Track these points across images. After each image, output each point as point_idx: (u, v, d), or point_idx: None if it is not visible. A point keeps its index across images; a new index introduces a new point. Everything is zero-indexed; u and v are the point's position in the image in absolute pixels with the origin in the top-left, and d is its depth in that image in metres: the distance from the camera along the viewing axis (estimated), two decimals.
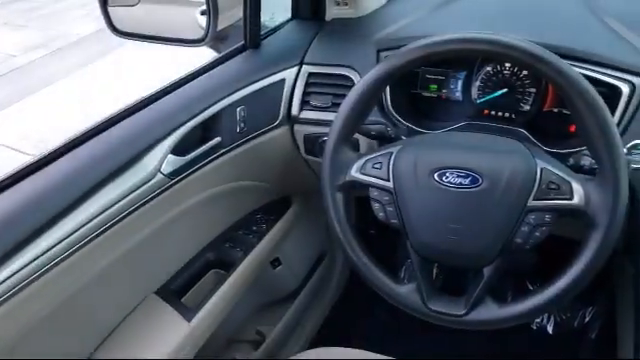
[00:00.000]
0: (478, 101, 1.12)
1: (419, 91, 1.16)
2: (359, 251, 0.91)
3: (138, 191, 0.95)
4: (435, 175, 0.83)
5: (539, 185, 0.79)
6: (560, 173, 0.80)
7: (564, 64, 0.77)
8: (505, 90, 1.09)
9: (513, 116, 1.10)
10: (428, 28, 1.11)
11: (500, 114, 1.11)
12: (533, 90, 1.07)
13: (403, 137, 1.02)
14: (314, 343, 1.66)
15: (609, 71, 0.95)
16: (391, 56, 0.86)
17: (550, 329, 1.72)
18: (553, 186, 0.79)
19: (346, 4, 1.24)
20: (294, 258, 1.52)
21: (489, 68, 1.09)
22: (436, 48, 0.82)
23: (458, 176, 0.82)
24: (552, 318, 1.73)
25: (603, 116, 0.75)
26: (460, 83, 1.13)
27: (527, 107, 1.08)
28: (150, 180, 0.96)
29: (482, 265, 0.83)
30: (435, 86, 1.15)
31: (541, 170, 0.80)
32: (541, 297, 0.81)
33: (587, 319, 1.69)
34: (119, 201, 0.92)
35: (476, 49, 0.80)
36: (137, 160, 0.96)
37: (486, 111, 1.12)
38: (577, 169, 0.86)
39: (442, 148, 0.87)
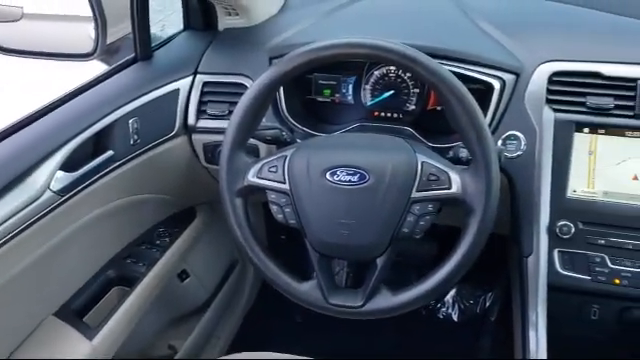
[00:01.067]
0: (368, 104, 1.17)
1: (314, 96, 1.20)
2: (260, 253, 0.92)
3: (26, 210, 0.91)
4: (327, 174, 0.87)
5: (420, 177, 0.84)
6: (439, 165, 0.85)
7: (435, 64, 0.83)
8: (392, 92, 1.15)
9: (401, 116, 1.16)
10: (317, 34, 1.15)
11: (389, 115, 1.17)
12: (417, 91, 1.14)
13: (299, 140, 1.05)
14: (230, 352, 1.65)
15: (481, 69, 1.03)
16: (278, 63, 0.89)
17: (455, 317, 1.81)
18: (433, 177, 0.84)
19: (237, 14, 1.26)
20: (203, 269, 1.51)
21: (377, 72, 1.15)
22: (319, 53, 0.85)
23: (347, 174, 0.86)
24: (457, 306, 1.82)
25: (473, 110, 0.82)
26: (351, 87, 1.18)
27: (412, 107, 1.15)
28: (39, 198, 0.93)
29: (375, 256, 0.88)
30: (328, 91, 1.19)
31: (422, 164, 0.85)
32: (432, 281, 0.86)
33: (488, 304, 1.79)
34: (6, 221, 0.88)
35: (356, 53, 0.85)
36: (24, 178, 0.93)
37: (376, 113, 1.18)
38: (456, 161, 0.92)
39: (333, 149, 0.91)
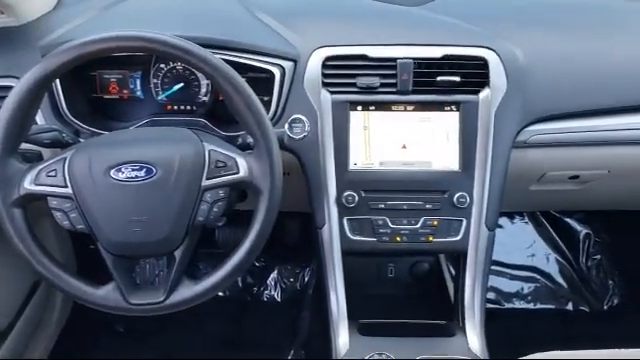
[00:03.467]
0: (159, 98, 1.16)
1: (100, 94, 1.16)
2: (49, 264, 0.88)
3: None
4: (111, 172, 0.85)
5: (209, 165, 0.87)
6: (226, 152, 0.88)
7: (208, 54, 0.85)
8: (181, 85, 1.15)
9: (194, 108, 1.17)
10: (93, 29, 1.10)
11: (182, 107, 1.18)
12: (207, 82, 1.16)
13: (82, 141, 1.00)
14: None
15: (261, 57, 1.08)
16: (43, 60, 0.84)
17: (278, 297, 1.89)
18: (221, 164, 0.87)
19: (2, 12, 1.16)
20: None
21: (163, 65, 1.15)
22: (85, 49, 0.83)
23: (133, 170, 0.85)
24: (278, 286, 1.90)
25: (249, 98, 0.86)
26: (139, 82, 1.16)
27: (204, 98, 1.17)
28: None
29: (173, 249, 0.88)
30: (115, 87, 1.16)
31: (209, 152, 0.88)
32: (230, 263, 0.89)
33: (307, 279, 1.90)
34: None
35: (125, 46, 0.84)
36: None
37: (169, 106, 1.18)
38: (245, 147, 0.96)
39: (116, 146, 0.89)
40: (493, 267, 1.95)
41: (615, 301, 1.90)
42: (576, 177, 1.24)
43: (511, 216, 2.03)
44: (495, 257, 1.96)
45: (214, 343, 1.71)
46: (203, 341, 1.71)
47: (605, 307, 1.90)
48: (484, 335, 1.09)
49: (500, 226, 2.03)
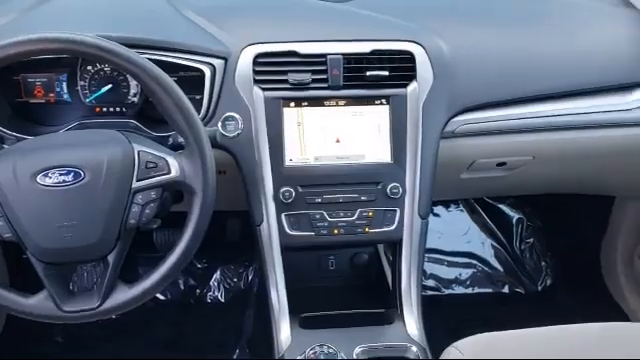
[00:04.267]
0: (87, 100, 1.13)
1: (26, 98, 1.12)
2: None
3: None
4: (38, 178, 0.82)
5: (139, 167, 0.86)
6: (156, 152, 0.88)
7: (133, 53, 0.84)
8: (110, 86, 1.13)
9: (124, 109, 1.15)
10: (14, 32, 1.06)
11: (112, 109, 1.15)
12: (137, 83, 1.14)
13: (6, 147, 0.97)
14: None
15: (190, 56, 1.07)
16: None
17: (222, 298, 1.88)
18: (151, 165, 0.86)
19: None
20: None
21: (90, 67, 1.12)
22: (6, 52, 0.80)
23: (60, 174, 0.83)
24: (222, 287, 1.89)
25: (177, 97, 0.85)
26: (65, 85, 1.13)
27: (134, 99, 1.15)
28: None
29: (105, 253, 0.87)
30: (41, 91, 1.12)
31: (138, 153, 0.86)
32: (166, 265, 0.88)
33: (250, 277, 1.90)
34: None
35: (46, 48, 0.82)
36: None
37: (97, 109, 1.15)
38: (176, 146, 0.95)
39: (41, 150, 0.87)
40: (432, 255, 2.01)
41: (548, 282, 2.00)
42: (503, 164, 1.30)
43: (447, 205, 2.09)
44: (433, 245, 2.04)
45: (158, 348, 1.69)
46: (146, 347, 1.68)
47: (539, 288, 1.99)
48: (422, 320, 1.12)
49: (437, 215, 2.10)
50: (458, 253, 2.03)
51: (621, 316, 1.76)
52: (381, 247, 1.42)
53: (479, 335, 1.14)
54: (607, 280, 1.87)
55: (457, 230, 2.07)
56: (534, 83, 1.20)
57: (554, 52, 1.24)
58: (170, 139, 0.99)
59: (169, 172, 0.87)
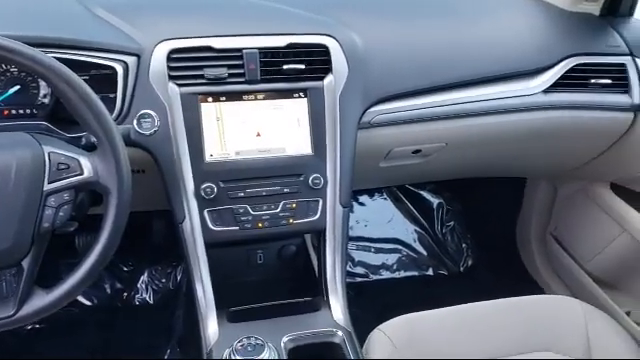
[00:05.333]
0: None
1: None
2: None
3: None
4: None
5: (50, 169, 0.83)
6: (67, 153, 0.85)
7: (38, 52, 0.81)
8: (17, 87, 1.08)
9: (34, 111, 1.10)
10: None
11: (21, 111, 1.10)
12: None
13: None
14: None
15: (100, 54, 1.04)
16: None
17: (151, 299, 1.85)
18: (63, 166, 0.84)
19: None
20: None
21: None
22: None
23: None
24: (150, 289, 1.86)
25: (87, 96, 0.83)
26: None
27: (45, 100, 1.10)
28: None
29: (19, 259, 0.84)
30: None
31: (49, 155, 0.84)
32: (83, 268, 0.86)
33: (179, 277, 1.87)
34: None
35: None
36: None
37: (6, 112, 1.10)
38: (89, 147, 0.93)
39: None
40: (359, 243, 2.06)
41: (469, 262, 2.10)
42: (418, 151, 1.35)
43: (371, 194, 2.15)
44: (360, 233, 2.09)
45: (86, 353, 1.64)
46: (74, 352, 1.63)
47: (461, 269, 2.08)
48: (347, 305, 1.15)
49: (362, 204, 2.15)
50: (384, 240, 2.09)
51: (537, 290, 1.88)
52: (308, 237, 1.44)
53: (402, 316, 1.19)
54: (523, 257, 1.99)
55: (382, 218, 2.14)
56: (444, 73, 1.26)
57: (462, 42, 1.31)
58: (83, 139, 0.96)
59: (82, 173, 0.85)
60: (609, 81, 1.33)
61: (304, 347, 1.05)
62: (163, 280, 1.87)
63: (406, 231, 2.12)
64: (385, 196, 2.17)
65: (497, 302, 1.23)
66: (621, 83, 1.34)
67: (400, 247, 2.09)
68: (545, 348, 1.16)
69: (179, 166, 1.09)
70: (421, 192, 2.16)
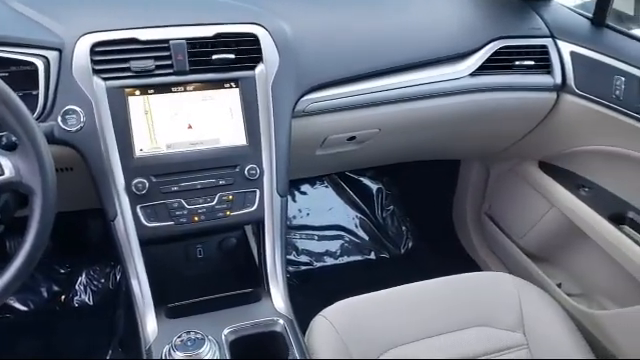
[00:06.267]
0: None
1: None
2: None
3: None
4: None
5: None
6: None
7: None
8: None
9: None
10: None
11: None
12: None
13: None
14: None
15: (18, 49, 1.00)
16: None
17: (90, 301, 1.80)
18: None
19: None
20: None
21: None
22: None
23: None
24: (89, 290, 1.81)
25: (4, 94, 0.80)
26: None
27: None
28: None
29: None
30: None
31: None
32: (10, 271, 0.83)
33: (118, 276, 1.83)
34: None
35: None
36: None
37: None
38: (10, 146, 0.89)
39: None
40: (302, 232, 2.07)
41: (410, 244, 2.14)
42: (353, 138, 1.36)
43: (312, 182, 2.16)
44: (303, 222, 2.10)
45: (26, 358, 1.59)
46: (14, 356, 1.58)
47: (402, 251, 2.13)
48: (288, 294, 1.15)
49: (304, 193, 2.16)
50: (326, 227, 2.11)
51: (475, 268, 1.95)
52: (249, 229, 1.44)
53: (343, 301, 1.21)
54: (460, 237, 2.05)
55: (324, 205, 2.15)
56: (375, 59, 1.27)
57: (391, 29, 1.33)
58: (3, 139, 0.93)
59: (2, 173, 0.82)
60: (532, 62, 1.38)
61: (245, 338, 1.04)
62: (102, 280, 1.83)
63: (348, 217, 2.14)
64: (326, 184, 2.18)
65: (434, 281, 1.27)
66: (543, 64, 1.39)
67: (342, 233, 2.11)
68: (481, 323, 1.20)
69: (108, 162, 1.06)
70: (361, 178, 2.19)
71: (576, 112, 1.39)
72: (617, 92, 1.27)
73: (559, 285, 1.58)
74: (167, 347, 0.95)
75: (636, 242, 1.31)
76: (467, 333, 1.19)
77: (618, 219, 1.39)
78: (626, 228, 1.37)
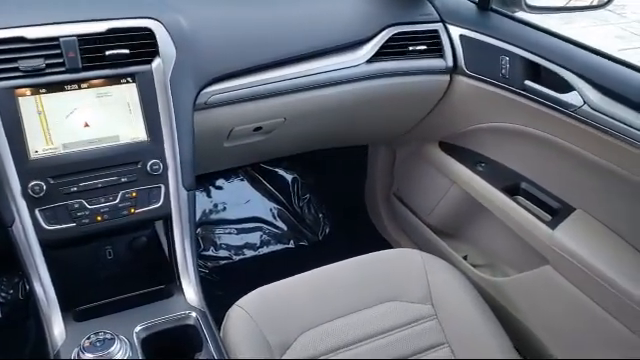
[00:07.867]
0: None
1: None
2: None
3: None
4: None
5: None
6: None
7: None
8: None
9: None
10: None
11: None
12: None
13: None
14: None
15: None
16: None
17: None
18: None
19: None
20: None
21: None
22: None
23: None
24: None
25: None
26: None
27: None
28: None
29: None
30: None
31: None
32: None
33: (28, 286, 1.75)
34: None
35: None
36: None
37: None
38: None
39: None
40: (220, 226, 2.07)
41: (327, 230, 2.19)
42: (259, 128, 1.38)
43: (227, 176, 2.16)
44: (220, 216, 2.10)
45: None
46: None
47: (320, 238, 2.17)
48: (200, 287, 1.16)
49: (220, 187, 2.16)
50: (244, 220, 2.12)
51: (387, 247, 2.02)
52: (160, 226, 1.43)
53: (257, 289, 1.23)
54: (373, 219, 2.12)
55: (240, 198, 2.16)
56: (273, 50, 1.29)
57: (288, 20, 1.35)
58: None
59: None
60: (425, 47, 1.45)
61: (158, 334, 1.04)
62: (10, 291, 1.75)
63: (265, 209, 2.16)
64: (241, 177, 2.19)
65: (344, 262, 1.31)
66: (435, 48, 1.46)
67: (261, 225, 2.13)
68: (391, 298, 1.26)
69: (1, 166, 1.02)
70: (276, 169, 2.21)
71: (468, 92, 1.48)
72: (503, 71, 1.36)
73: (465, 257, 1.68)
74: (76, 350, 0.94)
75: (529, 211, 1.42)
76: (379, 309, 1.25)
77: (512, 190, 1.49)
78: (520, 198, 1.48)
